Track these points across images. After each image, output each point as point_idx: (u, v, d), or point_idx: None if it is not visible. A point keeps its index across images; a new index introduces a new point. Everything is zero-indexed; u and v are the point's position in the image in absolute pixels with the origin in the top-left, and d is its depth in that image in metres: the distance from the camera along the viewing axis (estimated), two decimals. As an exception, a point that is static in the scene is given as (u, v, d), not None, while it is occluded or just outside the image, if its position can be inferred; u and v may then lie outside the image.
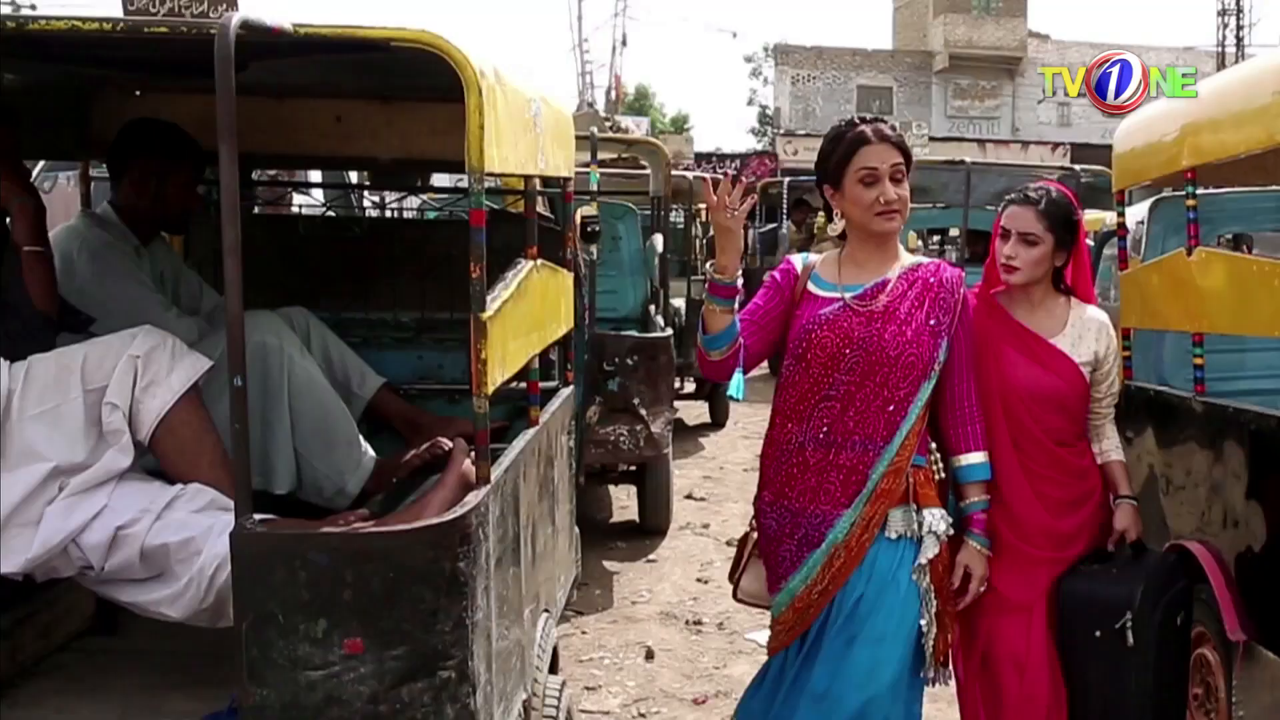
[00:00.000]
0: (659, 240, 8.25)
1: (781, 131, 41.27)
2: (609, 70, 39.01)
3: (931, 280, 3.00)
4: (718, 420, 11.27)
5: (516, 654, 2.92)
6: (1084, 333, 3.27)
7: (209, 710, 2.69)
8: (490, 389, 2.56)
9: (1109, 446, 3.36)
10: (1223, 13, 23.14)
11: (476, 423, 2.58)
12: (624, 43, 39.36)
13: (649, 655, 5.15)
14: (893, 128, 2.97)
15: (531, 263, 3.15)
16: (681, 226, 12.06)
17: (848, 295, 2.97)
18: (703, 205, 14.40)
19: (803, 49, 42.89)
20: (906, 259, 3.08)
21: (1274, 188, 4.75)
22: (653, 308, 7.90)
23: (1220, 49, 23.08)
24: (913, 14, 45.05)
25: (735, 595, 3.28)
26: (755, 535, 3.16)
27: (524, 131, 2.95)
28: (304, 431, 3.40)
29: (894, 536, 2.92)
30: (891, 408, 2.90)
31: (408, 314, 4.18)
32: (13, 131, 2.91)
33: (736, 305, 2.93)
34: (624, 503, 7.92)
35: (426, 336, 4.16)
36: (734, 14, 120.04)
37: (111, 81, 3.82)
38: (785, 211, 14.57)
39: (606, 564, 6.64)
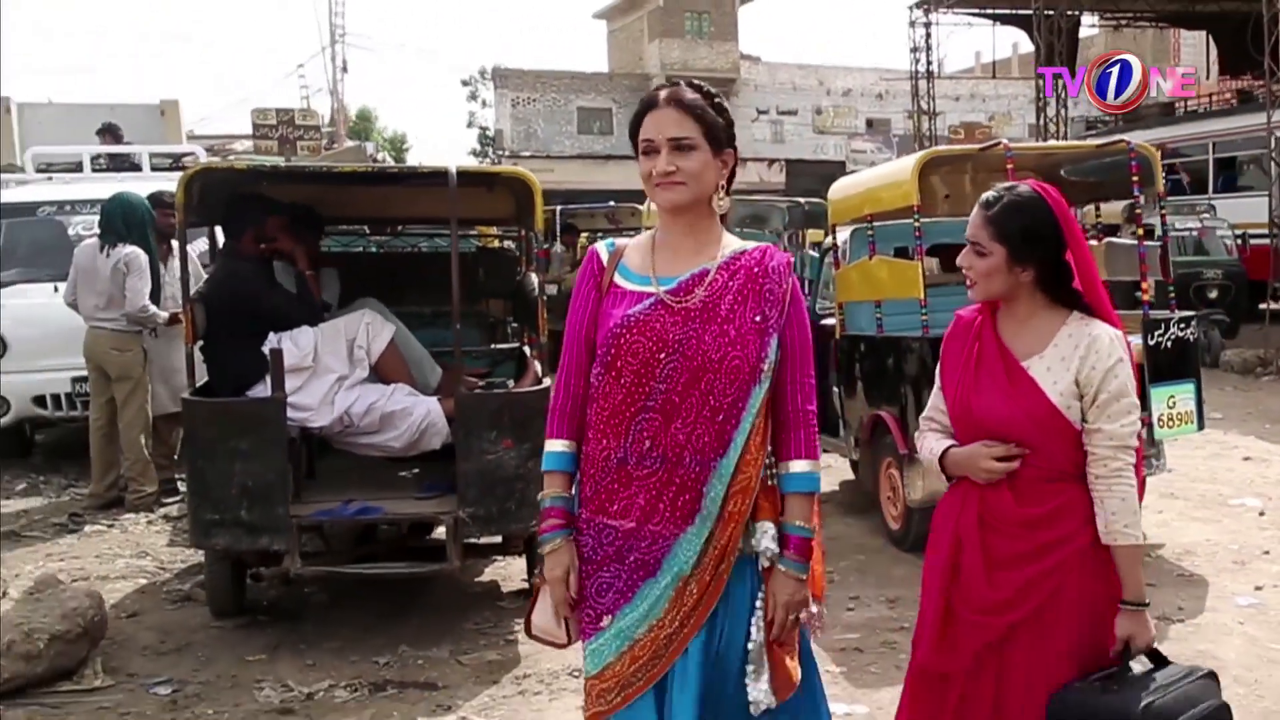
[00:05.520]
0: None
1: (506, 153, 43.24)
2: (330, 95, 41.80)
3: (756, 270, 2.72)
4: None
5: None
6: (1069, 353, 2.82)
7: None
8: (545, 335, 5.93)
9: (1112, 525, 2.78)
10: (914, 49, 28.61)
11: (536, 349, 5.96)
12: (345, 69, 42.51)
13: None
14: (699, 87, 2.74)
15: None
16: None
17: (661, 290, 2.71)
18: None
19: (521, 72, 45.49)
20: (730, 244, 2.78)
21: (906, 221, 7.87)
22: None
23: (914, 79, 28.41)
24: (628, 38, 48.92)
25: (529, 631, 2.88)
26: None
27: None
28: (412, 359, 6.52)
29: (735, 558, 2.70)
30: (721, 417, 2.64)
31: (429, 307, 7.37)
32: (283, 220, 5.99)
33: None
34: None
35: (439, 320, 7.30)
36: (447, 38, 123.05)
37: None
38: (557, 234, 18.05)
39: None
